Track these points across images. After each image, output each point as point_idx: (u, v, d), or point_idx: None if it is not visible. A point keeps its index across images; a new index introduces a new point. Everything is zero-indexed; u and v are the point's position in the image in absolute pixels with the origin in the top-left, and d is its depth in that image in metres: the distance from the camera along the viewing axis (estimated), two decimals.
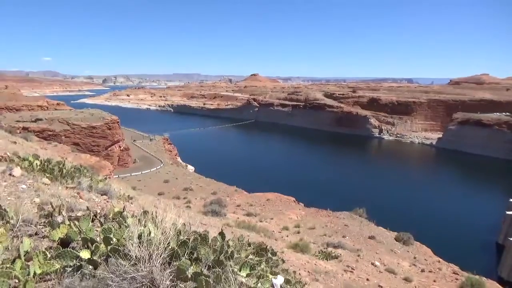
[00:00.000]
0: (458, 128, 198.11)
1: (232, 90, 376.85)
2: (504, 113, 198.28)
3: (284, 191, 43.22)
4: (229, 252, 4.44)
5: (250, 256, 5.13)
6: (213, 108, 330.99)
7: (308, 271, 15.78)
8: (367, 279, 16.65)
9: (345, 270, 17.59)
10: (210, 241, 4.60)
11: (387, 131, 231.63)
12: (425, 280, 18.13)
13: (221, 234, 5.22)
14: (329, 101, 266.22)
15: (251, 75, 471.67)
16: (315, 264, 17.26)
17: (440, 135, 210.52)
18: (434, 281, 18.64)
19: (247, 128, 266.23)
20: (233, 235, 18.81)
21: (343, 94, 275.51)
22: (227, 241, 5.18)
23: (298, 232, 24.13)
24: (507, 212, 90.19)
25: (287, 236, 22.54)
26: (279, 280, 4.14)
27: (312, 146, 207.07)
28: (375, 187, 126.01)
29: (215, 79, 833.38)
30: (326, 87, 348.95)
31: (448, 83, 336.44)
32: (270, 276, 4.28)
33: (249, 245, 6.27)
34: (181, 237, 4.31)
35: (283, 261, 6.53)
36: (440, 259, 24.32)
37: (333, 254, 19.60)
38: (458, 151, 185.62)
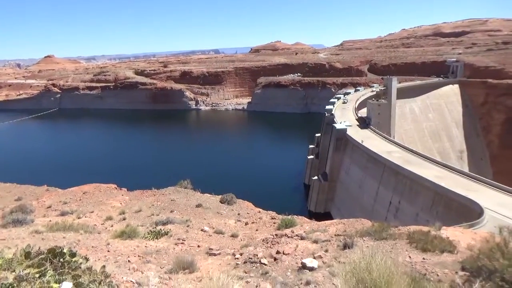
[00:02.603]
0: (262, 91, 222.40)
1: (23, 77, 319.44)
2: (296, 74, 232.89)
3: (105, 179, 40.05)
4: None
5: (27, 270, 4.16)
6: (0, 100, 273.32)
7: (139, 255, 15.03)
8: (198, 246, 17.00)
9: (176, 244, 17.50)
10: None
11: (203, 102, 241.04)
12: (249, 231, 19.77)
13: None
14: (141, 79, 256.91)
15: (45, 57, 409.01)
16: (146, 246, 16.60)
17: (249, 100, 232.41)
18: (257, 230, 20.50)
19: (50, 118, 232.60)
20: (43, 242, 16.21)
21: (154, 70, 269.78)
22: None
23: (124, 219, 22.71)
24: (308, 157, 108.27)
25: (112, 226, 20.92)
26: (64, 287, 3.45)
27: (130, 127, 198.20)
28: (197, 157, 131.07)
29: None
30: (135, 64, 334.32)
31: (249, 51, 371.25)
32: (55, 286, 3.52)
33: (39, 254, 5.20)
34: None
35: (87, 260, 5.69)
36: (261, 210, 26.91)
37: (163, 231, 19.24)
38: (265, 111, 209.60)
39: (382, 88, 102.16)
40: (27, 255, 4.97)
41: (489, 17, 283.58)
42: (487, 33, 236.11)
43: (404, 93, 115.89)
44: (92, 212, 24.87)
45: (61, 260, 5.00)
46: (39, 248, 5.47)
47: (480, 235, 13.47)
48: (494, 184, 50.62)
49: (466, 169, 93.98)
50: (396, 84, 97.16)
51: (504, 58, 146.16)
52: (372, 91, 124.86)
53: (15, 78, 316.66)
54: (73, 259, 5.25)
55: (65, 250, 5.31)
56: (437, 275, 9.55)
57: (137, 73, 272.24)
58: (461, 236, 13.17)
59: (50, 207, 27.55)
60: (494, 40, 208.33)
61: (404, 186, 59.04)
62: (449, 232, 13.55)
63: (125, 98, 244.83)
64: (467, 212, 43.68)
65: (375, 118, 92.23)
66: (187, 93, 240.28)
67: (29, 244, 5.56)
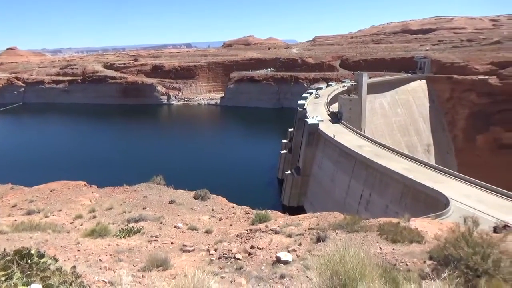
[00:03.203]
0: (235, 86, 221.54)
1: None
2: (269, 69, 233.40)
3: (73, 177, 38.84)
4: None
5: None
6: None
7: (110, 254, 14.70)
8: (172, 243, 16.82)
9: (149, 241, 17.24)
10: None
11: (175, 97, 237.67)
12: (223, 227, 19.73)
13: None
14: (111, 72, 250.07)
15: (8, 49, 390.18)
16: (117, 245, 16.25)
17: (222, 94, 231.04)
18: (231, 225, 20.49)
19: (14, 113, 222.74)
20: (9, 243, 15.53)
21: (124, 64, 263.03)
22: None
23: (94, 217, 22.11)
24: (281, 152, 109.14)
25: (81, 225, 20.33)
26: None
27: (99, 123, 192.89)
28: (170, 153, 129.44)
29: None
30: (104, 57, 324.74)
31: (222, 45, 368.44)
32: None
33: (5, 256, 4.96)
34: None
35: (56, 260, 5.50)
36: (234, 205, 26.87)
37: (135, 229, 18.90)
38: (238, 106, 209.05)
39: (353, 83, 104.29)
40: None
41: (455, 15, 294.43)
42: (453, 31, 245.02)
43: (374, 88, 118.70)
44: (61, 210, 24.08)
45: (29, 261, 4.80)
46: (4, 250, 5.22)
47: (446, 225, 14.04)
48: (459, 176, 52.85)
49: (432, 162, 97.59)
50: (366, 79, 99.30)
51: (468, 55, 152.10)
52: (344, 86, 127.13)
53: None
54: (42, 260, 5.05)
55: (32, 251, 5.10)
56: (407, 264, 9.90)
57: (106, 66, 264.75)
58: (429, 227, 13.68)
59: (15, 206, 26.44)
60: (459, 37, 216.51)
61: (374, 179, 60.65)
62: (417, 223, 14.04)
63: (94, 92, 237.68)
64: (434, 203, 45.43)
65: (347, 113, 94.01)
66: (159, 88, 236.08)
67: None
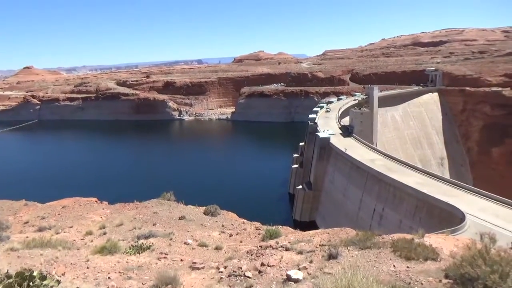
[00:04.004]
0: (246, 101, 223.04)
1: (1, 88, 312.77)
2: (279, 84, 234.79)
3: (85, 193, 39.15)
4: None
5: None
6: None
7: (119, 272, 14.58)
8: (181, 260, 16.65)
9: (158, 258, 17.08)
10: None
11: (186, 112, 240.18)
12: (233, 243, 19.49)
13: None
14: (123, 89, 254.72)
15: (24, 68, 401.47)
16: (127, 262, 16.14)
17: (233, 109, 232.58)
18: (241, 241, 20.22)
19: (30, 130, 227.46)
20: (19, 261, 15.56)
21: (137, 81, 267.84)
22: None
23: (105, 233, 22.08)
24: (292, 166, 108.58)
25: (91, 242, 20.30)
26: None
27: (112, 139, 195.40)
28: (180, 168, 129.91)
29: None
30: (117, 75, 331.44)
31: (232, 61, 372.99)
32: None
33: (8, 277, 4.89)
34: None
35: (59, 282, 5.42)
36: (245, 220, 26.58)
37: (145, 246, 18.77)
38: (249, 121, 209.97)
39: (364, 96, 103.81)
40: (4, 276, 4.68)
41: (466, 27, 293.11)
42: (464, 43, 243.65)
43: (385, 102, 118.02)
44: (71, 227, 24.12)
45: (30, 284, 4.72)
46: (7, 271, 5.16)
47: (462, 241, 13.58)
48: (475, 190, 51.63)
49: (447, 175, 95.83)
50: (377, 92, 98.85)
51: (481, 67, 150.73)
52: (355, 99, 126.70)
53: None
54: (43, 283, 4.97)
55: (35, 273, 5.03)
56: (422, 283, 9.54)
57: (119, 84, 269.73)
58: (444, 243, 13.25)
59: (27, 222, 26.62)
60: (471, 49, 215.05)
61: (387, 194, 59.66)
62: (432, 240, 13.62)
63: (107, 109, 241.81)
64: (449, 218, 44.33)
65: (358, 127, 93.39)
66: (170, 104, 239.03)
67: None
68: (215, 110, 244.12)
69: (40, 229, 23.55)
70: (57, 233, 22.27)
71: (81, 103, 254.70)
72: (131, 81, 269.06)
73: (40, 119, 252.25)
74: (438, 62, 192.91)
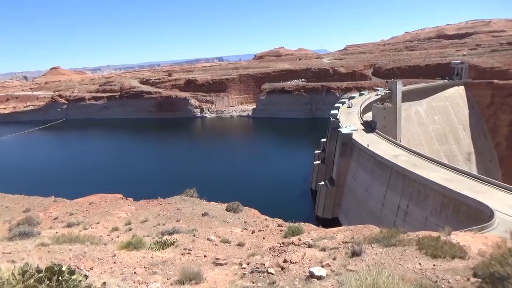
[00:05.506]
0: (267, 97, 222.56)
1: (30, 89, 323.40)
2: (300, 80, 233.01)
3: (111, 189, 40.13)
4: None
5: None
6: (7, 112, 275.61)
7: (145, 267, 14.92)
8: (205, 256, 16.85)
9: (182, 254, 17.35)
10: None
11: (208, 109, 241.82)
12: (255, 240, 19.57)
13: None
14: (146, 88, 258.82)
15: (51, 68, 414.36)
16: (152, 257, 16.48)
17: (254, 106, 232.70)
18: (264, 238, 20.28)
19: (57, 129, 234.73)
20: (49, 255, 16.14)
21: (159, 79, 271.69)
22: None
23: (130, 229, 22.61)
24: (314, 162, 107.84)
25: (118, 237, 20.83)
26: None
27: (136, 136, 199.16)
28: (203, 165, 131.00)
29: (3, 77, 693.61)
30: (140, 73, 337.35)
31: (253, 58, 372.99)
32: None
33: (38, 272, 5.10)
34: None
35: (86, 277, 5.60)
36: (267, 217, 26.64)
37: (169, 241, 19.10)
38: (270, 117, 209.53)
39: (387, 91, 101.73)
40: (24, 274, 4.89)
41: (492, 18, 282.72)
42: (491, 34, 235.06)
43: (409, 96, 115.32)
44: (98, 223, 24.83)
45: (60, 278, 4.89)
46: (37, 266, 5.38)
47: (491, 239, 13.18)
48: (504, 186, 49.90)
49: (474, 171, 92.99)
50: (401, 87, 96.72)
51: (509, 59, 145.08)
52: (377, 94, 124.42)
53: (22, 90, 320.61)
54: (72, 277, 5.14)
55: (64, 268, 5.21)
56: (449, 282, 9.33)
57: (142, 82, 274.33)
58: (472, 241, 12.90)
59: (56, 218, 27.58)
60: (498, 41, 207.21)
61: (412, 190, 58.44)
62: (459, 237, 13.28)
63: (131, 107, 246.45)
64: (477, 215, 43.07)
65: (381, 122, 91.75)
66: (192, 101, 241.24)
67: (27, 263, 5.48)
68: (236, 107, 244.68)
69: (69, 225, 24.39)
70: (85, 229, 23.00)
71: (106, 102, 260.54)
72: (154, 79, 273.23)
73: (67, 118, 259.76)
74: (464, 55, 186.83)
